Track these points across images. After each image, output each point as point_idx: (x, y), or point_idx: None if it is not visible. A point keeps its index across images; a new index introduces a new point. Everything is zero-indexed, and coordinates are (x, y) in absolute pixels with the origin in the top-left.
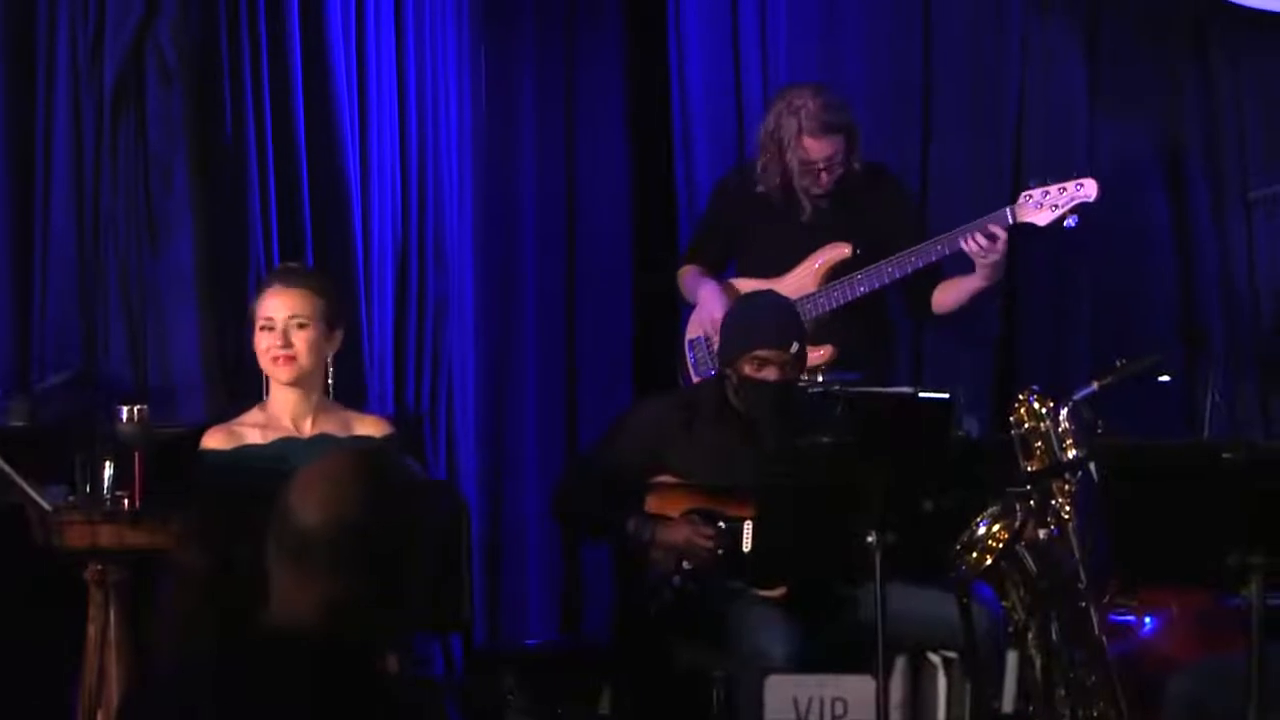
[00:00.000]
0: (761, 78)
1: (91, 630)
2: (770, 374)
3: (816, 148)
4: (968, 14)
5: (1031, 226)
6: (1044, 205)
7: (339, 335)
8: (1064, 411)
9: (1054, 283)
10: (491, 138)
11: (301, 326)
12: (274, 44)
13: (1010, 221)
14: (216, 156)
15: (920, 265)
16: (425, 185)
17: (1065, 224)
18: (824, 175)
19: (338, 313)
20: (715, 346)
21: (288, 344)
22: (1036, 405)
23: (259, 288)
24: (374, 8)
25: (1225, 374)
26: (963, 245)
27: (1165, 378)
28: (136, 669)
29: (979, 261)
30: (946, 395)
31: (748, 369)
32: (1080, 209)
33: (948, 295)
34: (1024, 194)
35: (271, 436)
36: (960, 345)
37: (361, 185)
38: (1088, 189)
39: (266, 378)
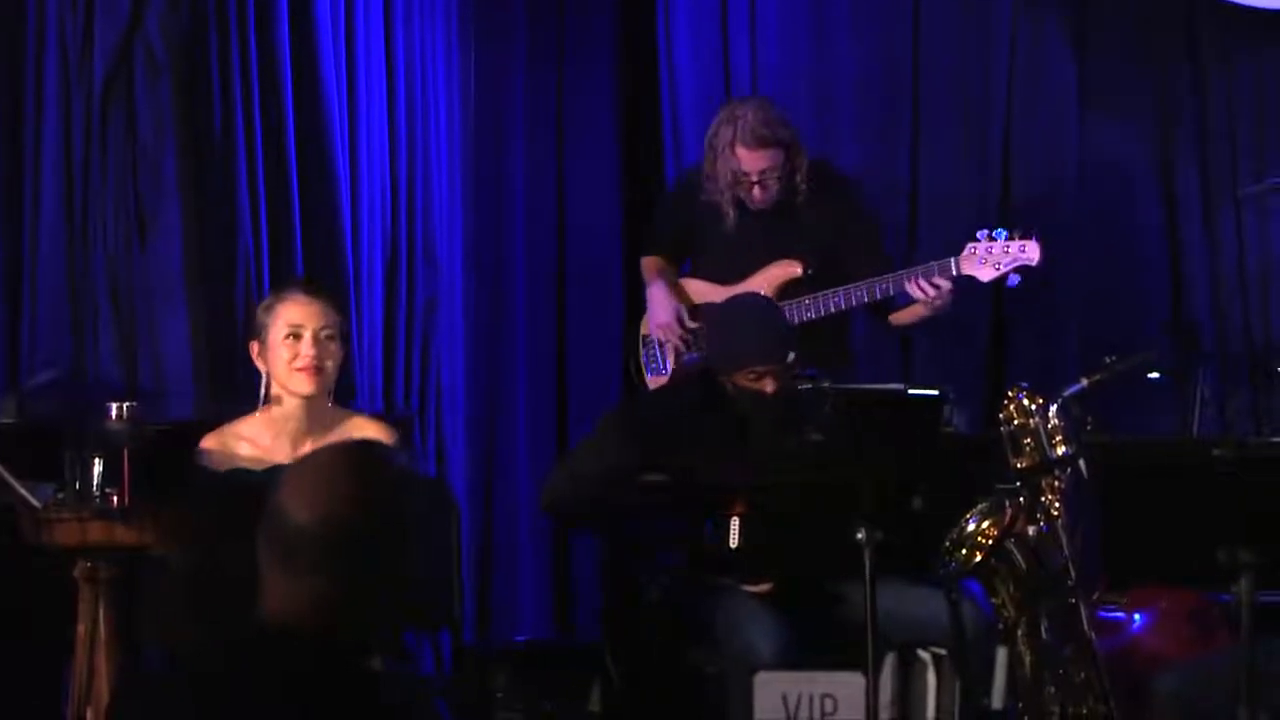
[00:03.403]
0: (751, 74)
1: (81, 628)
2: (768, 385)
3: (748, 159)
4: (955, 11)
5: (974, 280)
6: (987, 262)
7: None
8: (1053, 408)
9: (1044, 280)
10: (481, 134)
11: (330, 339)
12: (263, 39)
13: (955, 273)
14: (206, 151)
15: (865, 299)
16: (415, 182)
17: (1008, 283)
18: (756, 190)
19: (348, 328)
20: (666, 349)
21: (320, 355)
22: (1026, 402)
23: (273, 296)
24: (363, 2)
25: (1215, 371)
26: (907, 287)
27: (1155, 375)
28: (126, 666)
29: (924, 305)
30: (936, 392)
31: (744, 380)
32: (1022, 270)
33: (900, 316)
34: (970, 245)
35: (265, 463)
36: (950, 342)
37: (351, 182)
38: (1030, 252)
39: (266, 385)
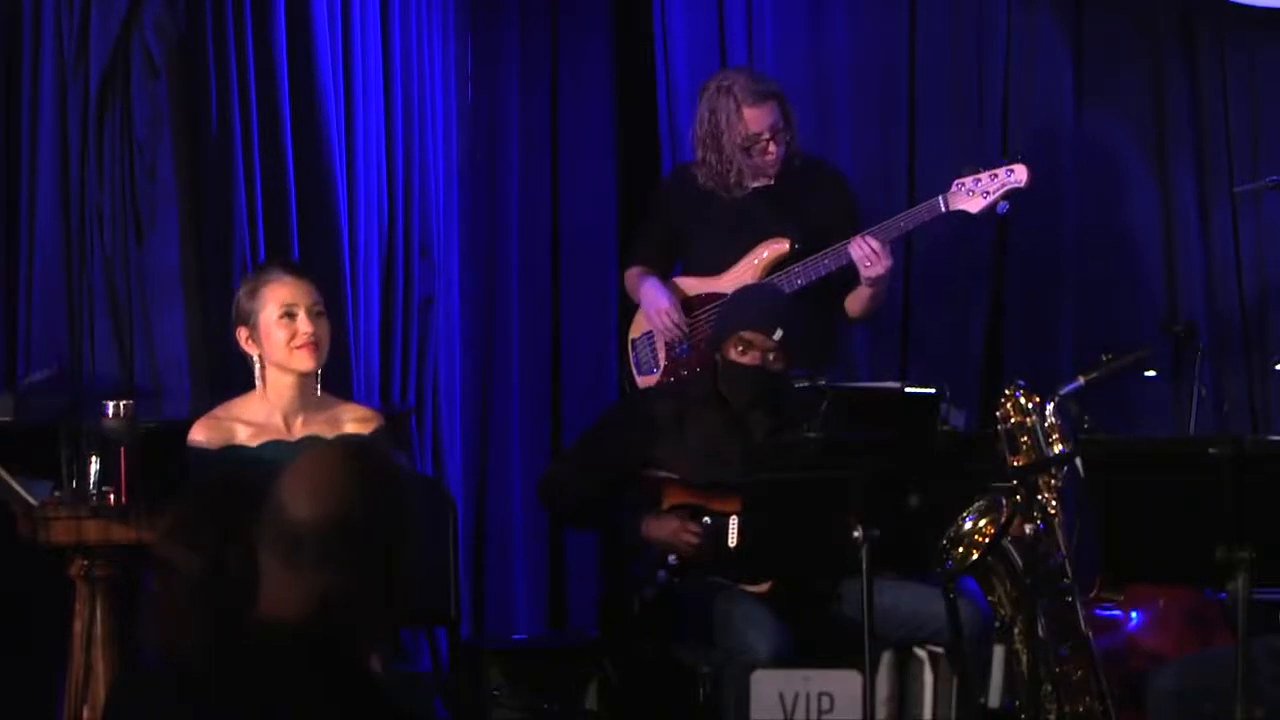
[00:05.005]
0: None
1: (77, 626)
2: (752, 358)
3: (757, 117)
4: (951, 7)
5: (964, 214)
6: (975, 192)
7: None
8: (1050, 406)
9: (1040, 277)
10: (477, 131)
11: (320, 315)
12: (259, 38)
13: (943, 209)
14: (202, 150)
15: (834, 268)
16: (411, 180)
17: (997, 210)
18: (771, 146)
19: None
20: (656, 346)
21: (317, 330)
22: (1023, 400)
23: (255, 279)
24: (359, 1)
25: (1211, 368)
26: (851, 250)
27: (1151, 372)
28: (122, 664)
29: (862, 270)
30: (933, 390)
31: (732, 353)
32: (1012, 194)
33: (853, 303)
34: (956, 181)
35: (260, 439)
36: (946, 339)
37: (347, 180)
38: (1018, 174)
39: (261, 370)
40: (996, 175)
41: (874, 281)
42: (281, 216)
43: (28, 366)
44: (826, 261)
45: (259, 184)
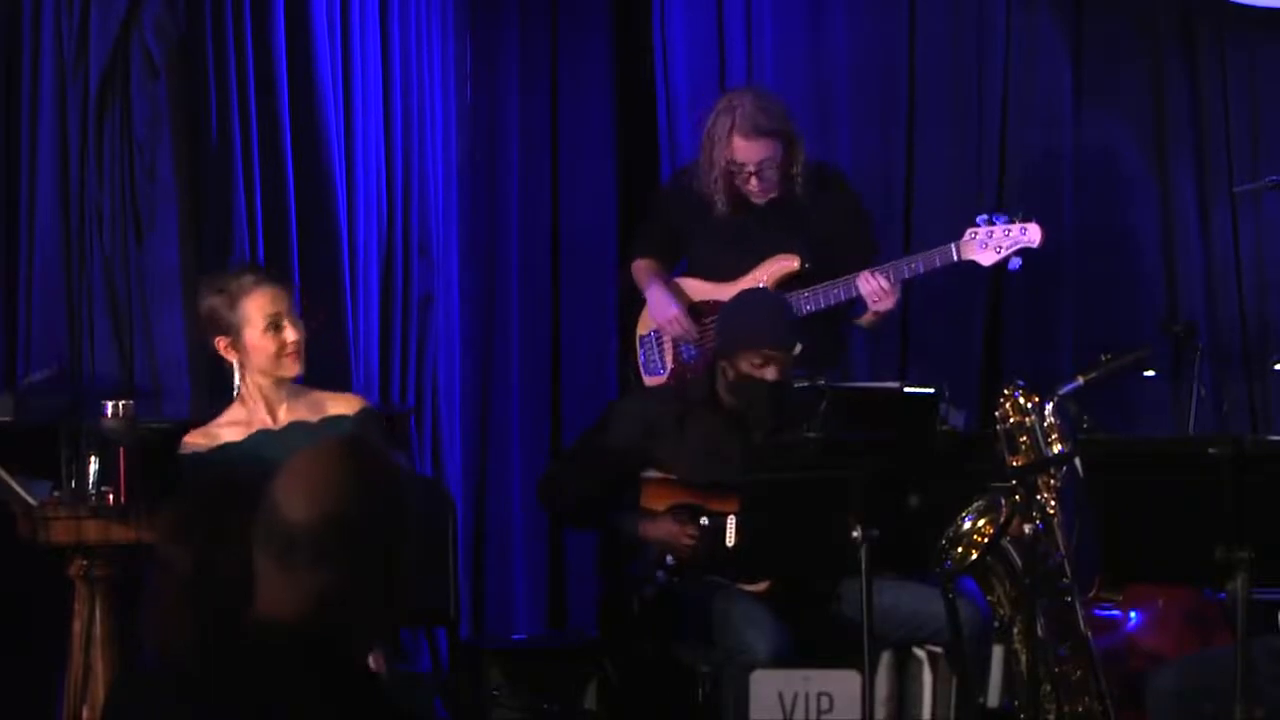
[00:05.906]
0: (746, 74)
1: (77, 626)
2: (770, 373)
3: (745, 149)
4: (951, 8)
5: (975, 265)
6: (989, 246)
7: None
8: (1049, 406)
9: (1040, 277)
10: (476, 132)
11: (298, 318)
12: (259, 39)
13: (955, 258)
14: (202, 150)
15: (843, 299)
16: (410, 179)
17: (1009, 266)
18: (754, 180)
19: None
20: (664, 348)
21: (300, 336)
22: (1022, 400)
23: (230, 289)
24: (359, 1)
25: (1211, 368)
26: (859, 284)
27: (1150, 372)
28: (122, 664)
29: (870, 304)
30: (932, 390)
31: (747, 366)
32: (1023, 253)
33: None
34: (970, 230)
35: (247, 432)
36: (947, 339)
37: (346, 180)
38: (1031, 234)
39: (242, 375)
40: (1010, 231)
41: (880, 314)
42: (281, 217)
43: (28, 366)
44: (836, 292)
45: (258, 184)
